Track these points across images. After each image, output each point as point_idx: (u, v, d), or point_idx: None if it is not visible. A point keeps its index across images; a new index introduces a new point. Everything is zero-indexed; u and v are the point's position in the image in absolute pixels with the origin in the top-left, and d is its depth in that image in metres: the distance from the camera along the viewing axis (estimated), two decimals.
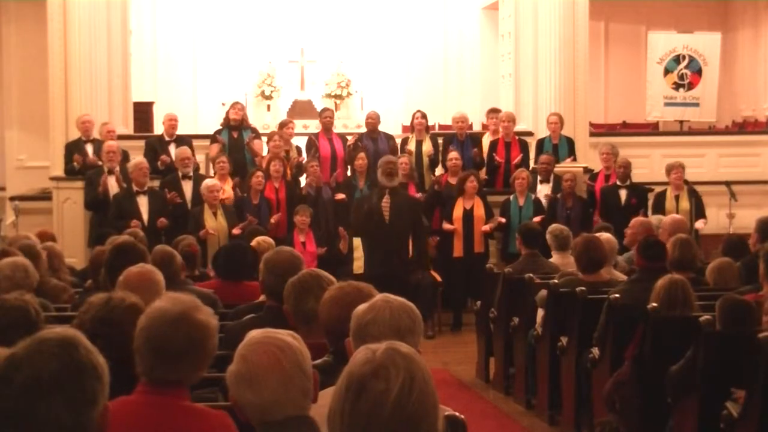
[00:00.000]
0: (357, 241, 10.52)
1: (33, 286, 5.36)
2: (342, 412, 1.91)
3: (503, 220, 11.05)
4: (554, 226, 8.83)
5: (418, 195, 11.13)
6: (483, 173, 11.88)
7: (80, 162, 11.31)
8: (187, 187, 10.95)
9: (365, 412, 1.89)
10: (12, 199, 12.86)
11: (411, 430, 1.90)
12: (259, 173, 11.04)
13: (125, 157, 11.28)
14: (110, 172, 10.97)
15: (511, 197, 11.21)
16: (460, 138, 12.01)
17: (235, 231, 10.32)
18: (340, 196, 11.36)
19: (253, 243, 7.07)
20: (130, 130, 13.06)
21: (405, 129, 14.61)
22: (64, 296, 6.41)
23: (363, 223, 10.07)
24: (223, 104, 12.98)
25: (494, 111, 12.75)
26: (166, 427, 2.81)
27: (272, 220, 10.80)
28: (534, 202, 11.17)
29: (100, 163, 11.20)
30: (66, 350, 2.14)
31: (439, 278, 10.77)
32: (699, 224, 11.14)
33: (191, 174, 11.06)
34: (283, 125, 12.31)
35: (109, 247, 5.65)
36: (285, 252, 4.78)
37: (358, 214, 10.20)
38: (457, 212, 11.02)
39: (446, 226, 11.06)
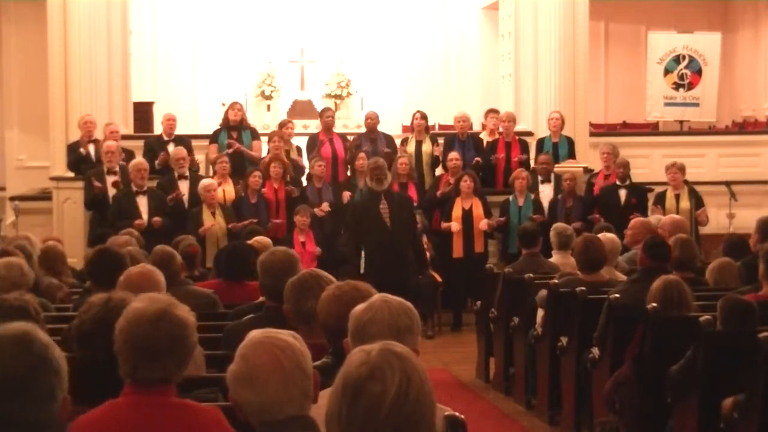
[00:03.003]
0: None
1: (30, 285, 5.36)
2: (339, 415, 1.91)
3: (503, 219, 11.06)
4: (558, 224, 8.84)
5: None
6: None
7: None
8: (184, 187, 10.95)
9: (363, 415, 1.89)
10: (12, 199, 12.86)
11: (409, 430, 1.90)
12: (257, 173, 11.05)
13: (129, 157, 11.30)
14: (109, 171, 10.96)
15: (511, 197, 11.22)
16: (462, 138, 12.01)
17: (231, 226, 10.33)
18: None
19: (248, 244, 7.07)
20: (130, 130, 13.05)
21: (405, 129, 14.61)
22: (59, 294, 6.42)
23: (364, 228, 9.54)
24: (223, 104, 12.98)
25: (493, 111, 12.75)
26: (157, 425, 2.80)
27: (276, 221, 10.81)
28: (533, 203, 11.18)
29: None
30: (23, 347, 2.13)
31: (439, 278, 10.77)
32: (700, 215, 11.09)
33: (187, 174, 11.07)
34: (282, 125, 12.32)
35: (90, 256, 5.68)
36: (280, 252, 4.77)
37: (357, 220, 9.71)
38: (456, 212, 11.02)
39: (446, 225, 11.04)
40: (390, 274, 9.03)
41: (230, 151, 11.64)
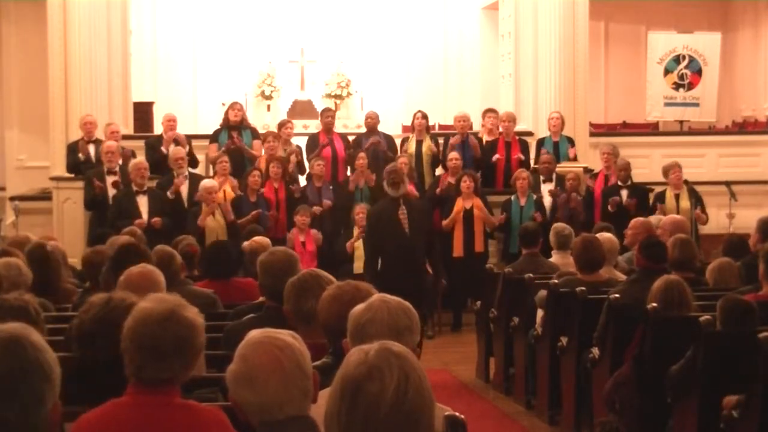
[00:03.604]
0: (359, 241, 10.49)
1: (28, 285, 5.35)
2: (339, 415, 1.91)
3: (503, 216, 11.04)
4: (558, 224, 8.84)
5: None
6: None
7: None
8: (184, 186, 10.96)
9: (362, 414, 1.89)
10: (12, 199, 12.86)
11: (409, 429, 1.90)
12: (256, 172, 11.06)
13: (133, 156, 11.33)
14: (109, 172, 10.97)
15: (512, 197, 11.22)
16: (462, 138, 11.99)
17: (231, 221, 10.36)
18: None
19: (246, 243, 7.09)
20: (130, 130, 13.06)
21: (405, 129, 14.61)
22: (73, 297, 6.43)
23: (382, 237, 9.11)
24: (223, 104, 12.99)
25: (490, 111, 12.72)
26: (159, 426, 2.81)
27: (273, 213, 10.79)
28: (535, 202, 11.17)
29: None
30: (12, 350, 2.11)
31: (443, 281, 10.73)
32: (698, 213, 11.11)
33: (187, 174, 11.07)
34: (281, 126, 12.33)
35: (114, 246, 5.65)
36: (279, 252, 4.78)
37: (375, 226, 9.28)
38: (457, 212, 11.00)
39: (446, 222, 10.98)
40: (406, 280, 8.62)
41: (232, 146, 11.65)
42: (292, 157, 11.73)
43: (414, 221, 9.13)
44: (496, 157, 11.96)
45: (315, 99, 16.42)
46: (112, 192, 10.83)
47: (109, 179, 10.89)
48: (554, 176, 11.55)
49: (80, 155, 11.51)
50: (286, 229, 11.01)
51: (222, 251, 6.75)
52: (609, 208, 11.13)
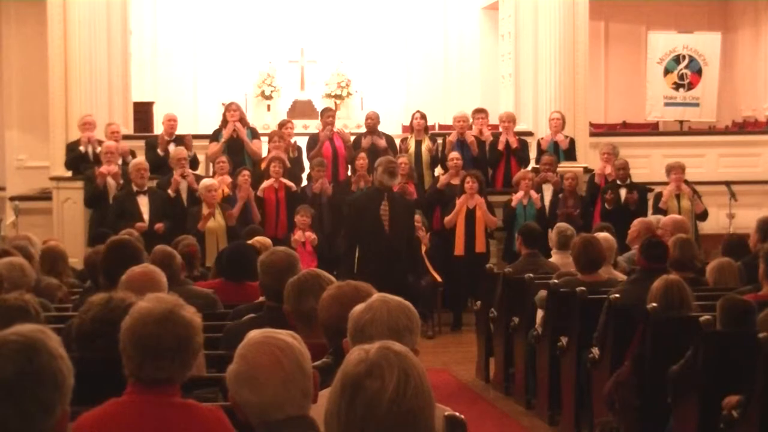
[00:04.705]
0: None
1: (31, 285, 5.36)
2: (338, 413, 1.92)
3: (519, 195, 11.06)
4: (560, 224, 8.83)
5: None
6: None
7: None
8: (184, 186, 10.97)
9: (362, 411, 1.90)
10: (12, 199, 12.86)
11: (408, 427, 1.91)
12: (246, 172, 11.02)
13: (132, 156, 11.35)
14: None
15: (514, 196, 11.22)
16: (461, 138, 12.00)
17: (233, 213, 10.40)
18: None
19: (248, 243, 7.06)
20: (130, 130, 13.06)
21: (405, 129, 14.61)
22: (58, 294, 6.42)
23: (362, 228, 8.89)
24: (223, 104, 13.00)
25: (479, 111, 12.66)
26: (159, 425, 2.81)
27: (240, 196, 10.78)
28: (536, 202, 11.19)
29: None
30: (26, 355, 2.09)
31: (439, 278, 10.75)
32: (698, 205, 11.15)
33: (187, 174, 11.07)
34: (281, 125, 12.33)
35: (105, 246, 5.64)
36: (280, 252, 4.78)
37: (355, 215, 9.09)
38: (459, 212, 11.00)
39: (449, 218, 10.94)
40: (386, 279, 8.64)
41: (232, 130, 11.65)
42: (291, 151, 11.76)
43: (396, 217, 8.84)
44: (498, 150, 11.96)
45: (315, 99, 16.42)
46: (111, 183, 10.83)
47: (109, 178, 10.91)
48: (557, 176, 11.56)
49: (81, 147, 11.50)
50: (286, 229, 11.01)
51: (243, 255, 6.60)
52: (606, 205, 11.15)
